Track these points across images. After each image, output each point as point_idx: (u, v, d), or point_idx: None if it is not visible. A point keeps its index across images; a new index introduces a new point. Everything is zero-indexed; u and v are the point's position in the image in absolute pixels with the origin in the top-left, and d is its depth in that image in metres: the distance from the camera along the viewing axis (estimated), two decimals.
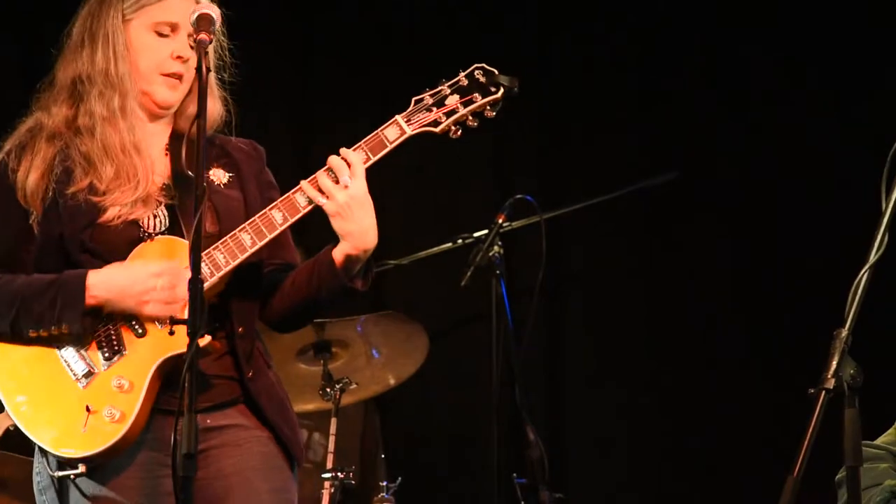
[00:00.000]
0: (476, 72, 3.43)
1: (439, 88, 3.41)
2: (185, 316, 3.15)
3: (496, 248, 5.29)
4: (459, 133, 3.41)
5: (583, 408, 6.13)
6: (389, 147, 3.36)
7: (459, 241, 5.46)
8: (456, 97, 3.40)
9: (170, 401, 3.30)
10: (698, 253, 6.08)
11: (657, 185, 5.74)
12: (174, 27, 3.44)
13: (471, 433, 5.97)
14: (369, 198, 3.34)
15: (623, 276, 6.15)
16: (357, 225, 3.32)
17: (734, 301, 6.06)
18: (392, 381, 5.45)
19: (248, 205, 3.45)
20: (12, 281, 3.37)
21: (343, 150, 3.35)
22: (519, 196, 5.32)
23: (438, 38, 6.16)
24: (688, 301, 6.08)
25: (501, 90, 3.41)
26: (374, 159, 3.35)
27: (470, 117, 3.40)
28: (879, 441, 3.75)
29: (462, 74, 3.43)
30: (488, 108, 3.41)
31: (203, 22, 3.25)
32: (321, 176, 3.34)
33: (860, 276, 2.82)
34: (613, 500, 6.06)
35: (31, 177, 3.40)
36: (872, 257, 2.84)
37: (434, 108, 3.40)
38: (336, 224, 3.33)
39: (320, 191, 3.33)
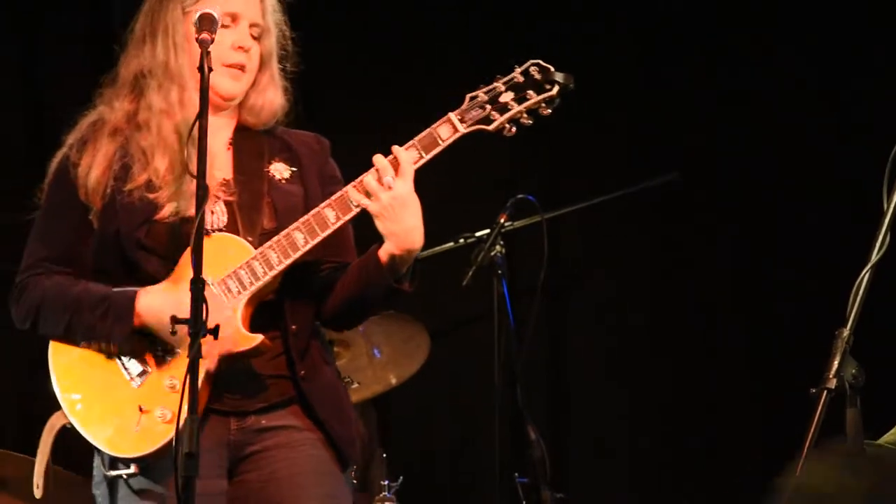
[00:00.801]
0: (531, 68, 3.38)
1: (494, 85, 3.36)
2: (238, 319, 3.21)
3: (498, 247, 5.29)
4: (514, 131, 3.36)
5: (584, 407, 6.13)
6: (442, 145, 3.32)
7: (461, 240, 5.46)
8: (510, 94, 3.35)
9: (222, 401, 3.34)
10: (699, 253, 6.08)
11: (658, 185, 5.73)
12: (234, 17, 3.43)
13: (472, 432, 5.97)
14: (415, 198, 3.30)
15: (624, 276, 6.15)
16: (400, 225, 3.28)
17: (735, 301, 6.06)
18: (394, 381, 5.45)
19: (308, 200, 3.42)
20: (72, 286, 3.38)
21: (395, 148, 3.30)
22: (520, 196, 5.32)
23: (438, 38, 6.16)
24: (689, 301, 6.08)
25: (557, 87, 3.36)
26: (426, 158, 3.31)
27: (524, 115, 3.35)
28: (883, 440, 3.75)
29: (517, 71, 3.38)
30: (543, 105, 3.36)
31: (204, 21, 3.24)
32: (367, 176, 3.30)
33: (861, 276, 2.83)
34: (615, 499, 6.06)
35: (92, 173, 3.40)
36: (874, 257, 2.85)
37: (488, 106, 3.34)
38: (379, 225, 3.30)
39: (366, 191, 3.29)
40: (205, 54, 3.19)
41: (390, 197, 3.27)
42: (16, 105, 5.88)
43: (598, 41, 6.17)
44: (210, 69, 3.21)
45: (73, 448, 5.35)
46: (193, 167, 3.24)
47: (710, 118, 6.10)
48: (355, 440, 3.49)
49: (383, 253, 3.33)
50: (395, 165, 3.29)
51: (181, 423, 2.98)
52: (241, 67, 3.44)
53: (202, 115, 3.15)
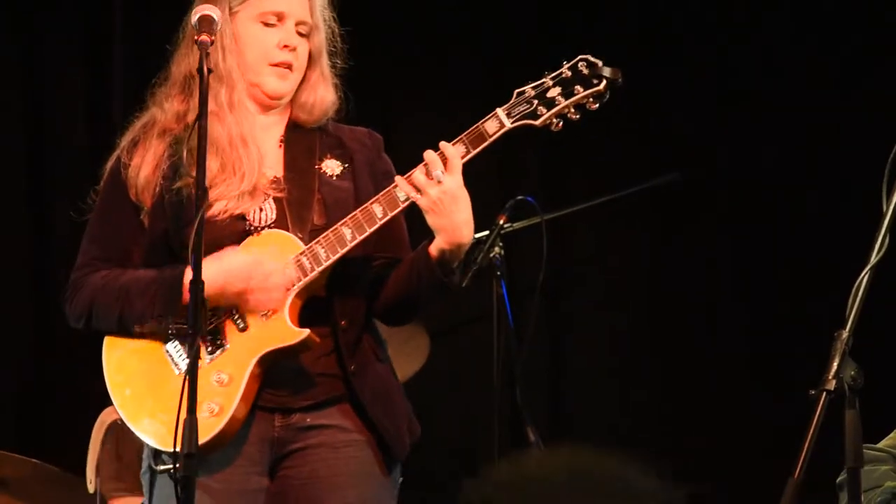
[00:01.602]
0: (580, 63, 3.36)
1: (542, 80, 3.35)
2: (286, 313, 3.22)
3: (497, 248, 5.28)
4: (560, 126, 3.35)
5: (584, 408, 6.12)
6: (489, 140, 3.32)
7: None
8: (558, 89, 3.34)
9: (269, 398, 3.34)
10: (700, 254, 6.08)
11: (658, 185, 5.73)
12: (280, 16, 3.44)
13: (472, 434, 5.97)
14: (464, 192, 3.30)
15: (624, 277, 6.15)
16: (450, 220, 3.29)
17: (736, 302, 6.06)
18: None
19: (359, 196, 3.42)
20: (120, 276, 3.39)
21: (442, 144, 3.31)
22: (520, 197, 5.31)
23: (437, 38, 6.15)
24: (689, 302, 6.07)
25: (604, 82, 3.35)
26: (473, 153, 3.31)
27: (572, 110, 3.35)
28: (882, 444, 3.75)
29: (565, 66, 3.37)
30: (591, 100, 3.35)
31: (204, 23, 3.23)
32: (416, 171, 3.30)
33: (861, 277, 2.82)
34: None
35: (142, 173, 3.41)
36: (873, 259, 2.84)
37: (535, 101, 3.33)
38: (430, 219, 3.30)
39: (415, 186, 3.29)
40: (203, 56, 3.19)
41: (440, 191, 3.27)
42: (15, 106, 5.88)
43: (600, 41, 6.17)
44: (210, 71, 3.20)
45: (72, 448, 5.39)
46: (244, 166, 3.31)
47: (710, 119, 6.10)
48: (405, 437, 3.49)
49: (434, 248, 3.34)
50: (444, 160, 3.30)
51: (181, 423, 2.98)
52: (288, 66, 3.45)
53: (201, 117, 3.15)
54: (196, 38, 3.23)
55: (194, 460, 2.97)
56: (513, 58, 6.08)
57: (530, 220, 5.42)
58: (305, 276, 3.30)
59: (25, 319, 5.82)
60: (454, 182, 3.28)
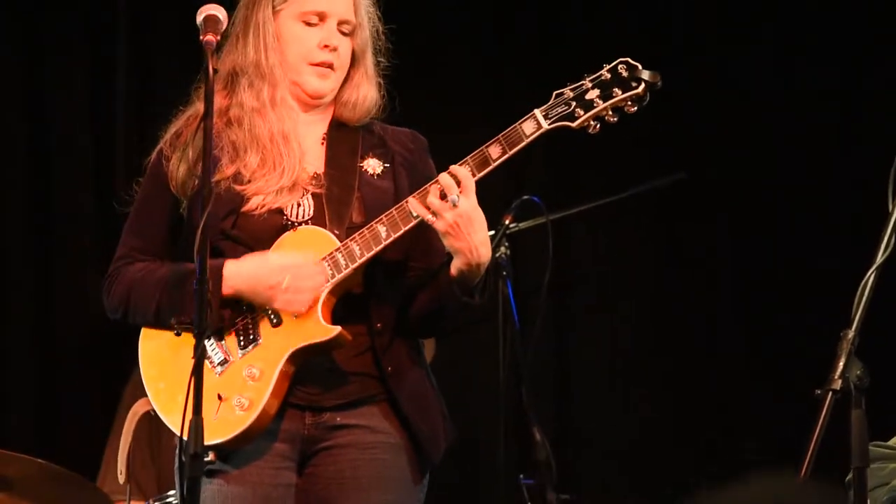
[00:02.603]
0: (619, 66, 3.37)
1: (581, 83, 3.35)
2: (319, 310, 3.23)
3: (503, 248, 5.28)
4: (598, 128, 3.34)
5: (589, 408, 6.12)
6: (526, 141, 3.32)
7: None
8: (596, 91, 3.34)
9: (301, 395, 3.36)
10: (706, 253, 6.07)
11: (664, 185, 5.73)
12: (321, 16, 3.45)
13: (477, 434, 5.96)
14: (480, 212, 3.29)
15: (630, 277, 6.14)
16: (467, 242, 3.29)
17: (742, 302, 6.06)
18: None
19: (398, 196, 3.42)
20: (158, 269, 3.42)
21: (453, 168, 3.30)
22: (525, 197, 5.31)
23: (438, 38, 6.15)
24: (695, 302, 6.07)
25: (643, 85, 3.36)
26: (510, 153, 3.32)
27: (609, 112, 3.34)
28: (892, 441, 3.75)
29: (605, 69, 3.37)
30: (629, 103, 3.35)
31: (209, 23, 3.23)
32: (431, 192, 3.29)
33: (867, 277, 2.83)
34: (620, 501, 6.05)
35: (182, 166, 3.43)
36: (879, 258, 2.85)
37: (573, 103, 3.33)
38: (446, 242, 3.30)
39: (431, 210, 3.29)
40: (210, 56, 3.18)
41: (455, 215, 3.27)
42: (17, 105, 5.88)
43: (604, 42, 6.17)
44: (215, 71, 3.20)
45: (73, 447, 5.40)
46: (284, 161, 3.32)
47: (716, 118, 6.10)
48: (440, 440, 3.48)
49: (453, 269, 3.34)
50: (457, 182, 3.29)
51: (187, 423, 2.98)
52: (329, 66, 3.46)
53: (207, 116, 3.15)
54: (201, 38, 3.23)
55: (201, 461, 2.97)
56: (513, 58, 6.09)
57: (536, 220, 5.42)
58: (340, 272, 3.31)
59: (27, 319, 5.81)
60: (469, 204, 3.28)
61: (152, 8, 5.88)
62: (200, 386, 2.98)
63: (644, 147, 6.10)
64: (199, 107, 3.49)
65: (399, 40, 6.16)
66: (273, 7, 3.46)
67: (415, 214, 3.31)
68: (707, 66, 6.11)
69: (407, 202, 3.33)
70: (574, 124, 3.33)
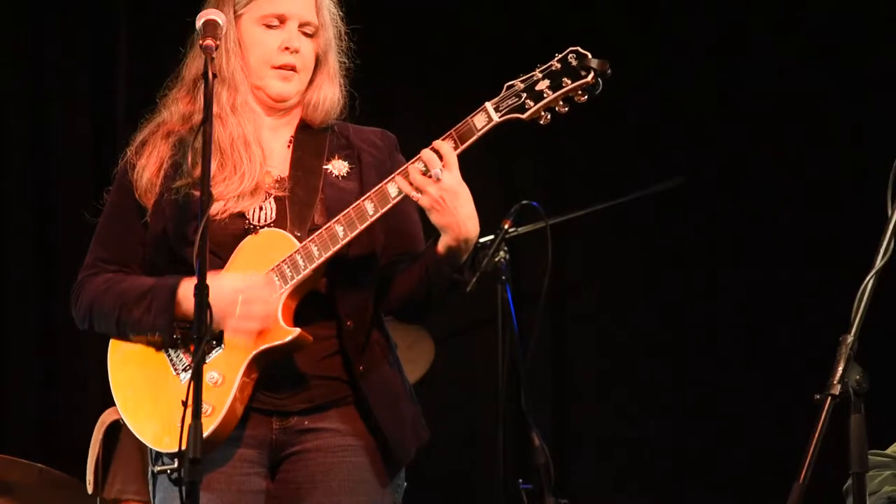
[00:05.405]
0: (569, 55, 3.31)
1: (531, 73, 3.32)
2: (279, 313, 3.22)
3: (502, 253, 5.29)
4: (549, 119, 3.31)
5: (588, 413, 6.12)
6: (477, 135, 3.29)
7: None
8: (546, 82, 3.30)
9: (267, 400, 3.34)
10: (704, 258, 6.07)
11: (663, 190, 5.73)
12: (282, 18, 3.44)
13: (476, 438, 5.97)
14: (464, 187, 3.27)
15: (629, 282, 6.14)
16: (454, 216, 3.26)
17: (740, 307, 6.06)
18: None
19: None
20: (120, 281, 3.41)
21: (437, 142, 3.28)
22: (524, 202, 5.31)
23: (437, 37, 6.15)
24: (693, 307, 6.07)
25: (592, 74, 3.29)
26: (461, 147, 3.28)
27: (560, 102, 3.30)
28: (890, 450, 3.75)
29: (555, 59, 3.32)
30: (579, 92, 3.30)
31: (209, 28, 3.23)
32: (412, 170, 3.28)
33: (866, 281, 2.82)
34: None
35: (146, 173, 3.42)
36: (878, 263, 2.84)
37: (523, 94, 3.30)
38: (433, 218, 3.28)
39: (415, 186, 3.27)
40: (209, 60, 3.18)
41: (440, 189, 3.25)
42: (20, 98, 5.89)
43: (603, 46, 6.16)
44: (214, 75, 3.20)
45: (67, 450, 5.39)
46: (244, 166, 3.31)
47: (715, 124, 6.10)
48: (410, 442, 3.48)
49: (441, 245, 3.32)
50: (440, 157, 3.27)
51: (185, 428, 2.97)
52: (292, 68, 3.44)
53: (206, 121, 3.15)
54: (201, 42, 3.23)
55: (199, 465, 2.97)
56: (513, 58, 6.08)
57: (535, 224, 5.42)
58: (299, 273, 3.29)
59: (28, 317, 5.81)
60: (453, 178, 3.26)
61: (154, 1, 5.90)
62: (199, 390, 2.98)
63: (644, 152, 6.11)
64: (163, 114, 3.49)
65: (398, 41, 6.20)
66: (234, 12, 3.44)
67: (395, 193, 3.28)
68: (707, 69, 6.11)
69: (385, 185, 3.30)
70: (524, 116, 3.30)
